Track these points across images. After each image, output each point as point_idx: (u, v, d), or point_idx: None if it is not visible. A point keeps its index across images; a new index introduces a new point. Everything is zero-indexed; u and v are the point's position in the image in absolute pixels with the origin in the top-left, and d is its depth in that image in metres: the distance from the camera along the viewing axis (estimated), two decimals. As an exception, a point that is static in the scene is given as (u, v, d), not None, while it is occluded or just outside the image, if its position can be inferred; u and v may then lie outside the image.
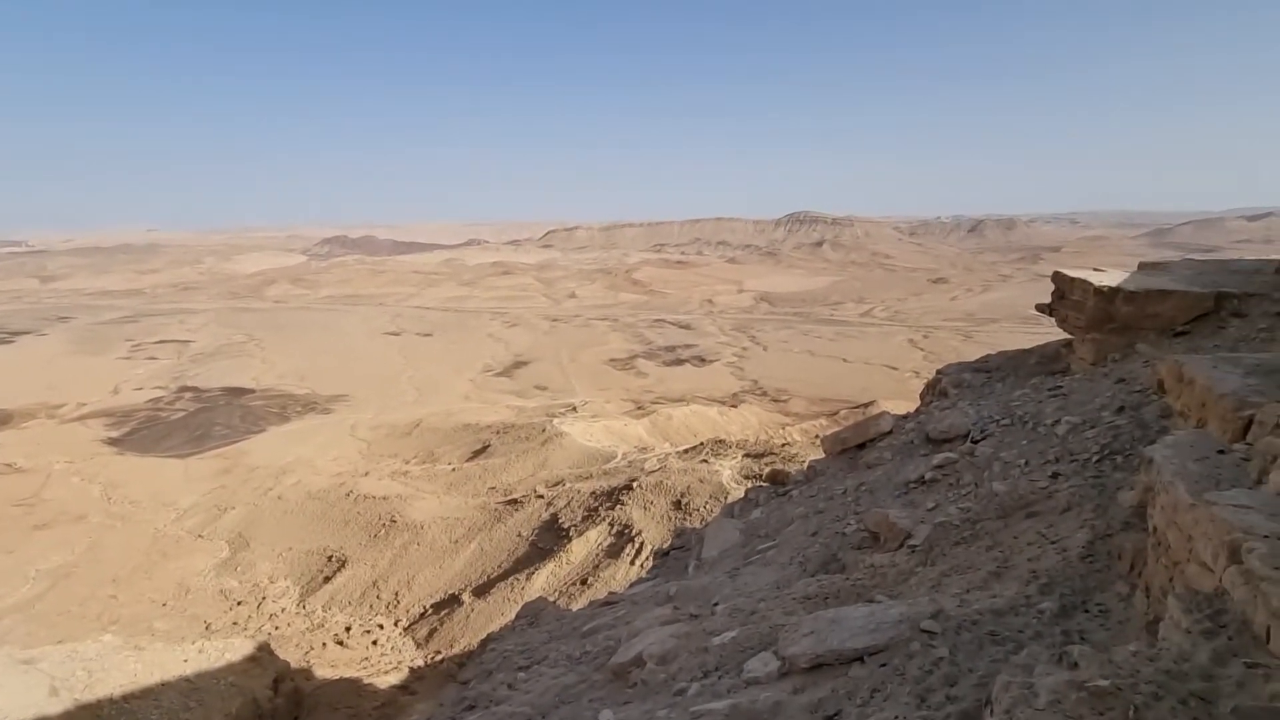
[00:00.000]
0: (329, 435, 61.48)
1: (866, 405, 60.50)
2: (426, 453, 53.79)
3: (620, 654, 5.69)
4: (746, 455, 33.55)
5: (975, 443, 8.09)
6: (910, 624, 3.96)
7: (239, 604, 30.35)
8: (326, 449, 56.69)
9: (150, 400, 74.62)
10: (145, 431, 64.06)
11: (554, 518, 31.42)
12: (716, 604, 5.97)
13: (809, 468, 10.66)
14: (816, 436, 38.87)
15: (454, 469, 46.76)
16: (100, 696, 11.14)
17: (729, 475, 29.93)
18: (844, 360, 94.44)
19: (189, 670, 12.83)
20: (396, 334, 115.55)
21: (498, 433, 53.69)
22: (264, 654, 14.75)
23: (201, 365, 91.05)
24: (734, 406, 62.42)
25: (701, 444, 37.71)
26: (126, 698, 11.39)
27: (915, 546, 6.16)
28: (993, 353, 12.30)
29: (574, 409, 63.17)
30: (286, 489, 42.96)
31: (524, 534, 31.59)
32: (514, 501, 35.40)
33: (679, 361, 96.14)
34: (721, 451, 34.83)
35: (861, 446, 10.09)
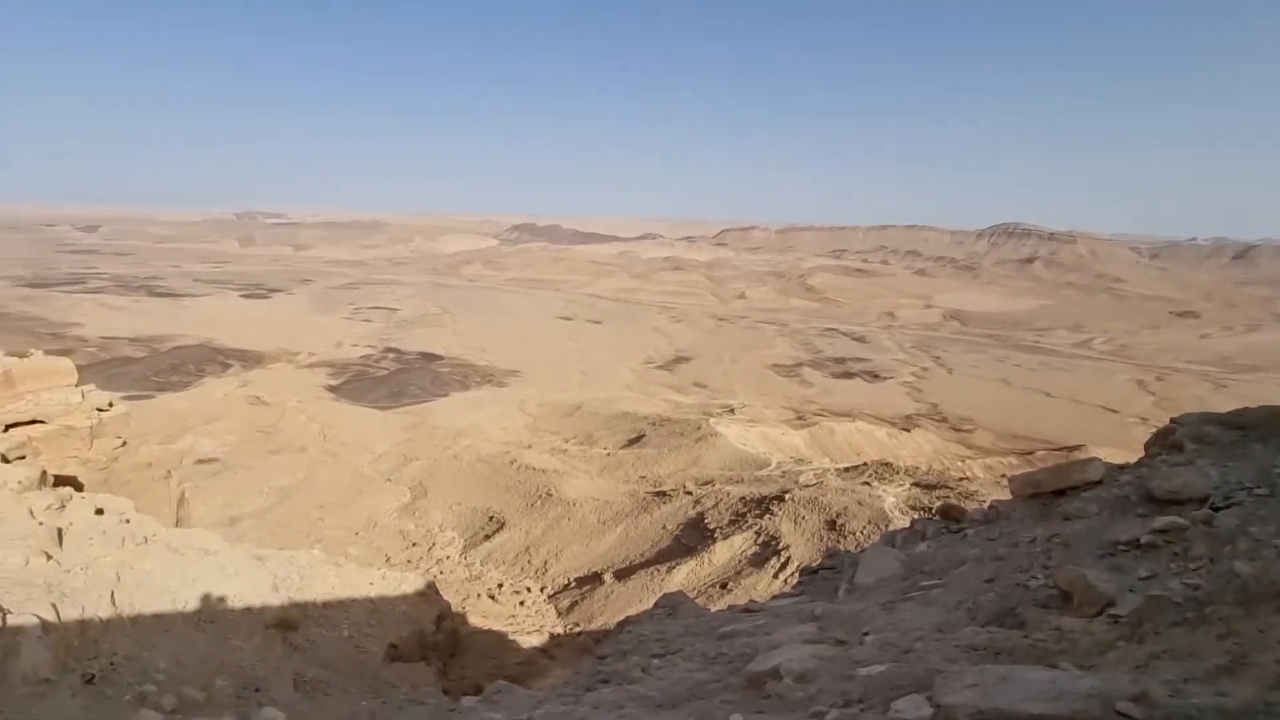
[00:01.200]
0: (501, 406, 67.66)
1: (1072, 449, 52.65)
2: (585, 434, 57.03)
3: (757, 663, 5.58)
4: (916, 484, 30.84)
5: (1216, 510, 6.64)
6: (1103, 701, 3.38)
7: (413, 545, 34.74)
8: (497, 418, 62.48)
9: (362, 357, 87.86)
10: (356, 383, 75.57)
11: (700, 516, 31.59)
12: (867, 634, 5.60)
13: (991, 508, 9.54)
14: (1004, 475, 34.64)
15: (609, 454, 49.00)
16: (307, 599, 13.39)
17: (893, 502, 27.74)
18: (1047, 395, 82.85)
19: (373, 593, 14.93)
20: (569, 319, 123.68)
21: (653, 424, 55.22)
22: (431, 592, 16.56)
23: (404, 331, 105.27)
24: (906, 430, 57.73)
25: (865, 465, 35.43)
26: (325, 604, 13.56)
27: (1119, 618, 5.23)
28: (1252, 406, 9.94)
29: (731, 410, 62.83)
30: (461, 449, 48.18)
31: (669, 527, 32.19)
32: (662, 494, 36.19)
33: (848, 374, 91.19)
34: (887, 476, 32.40)
35: (1060, 493, 8.79)
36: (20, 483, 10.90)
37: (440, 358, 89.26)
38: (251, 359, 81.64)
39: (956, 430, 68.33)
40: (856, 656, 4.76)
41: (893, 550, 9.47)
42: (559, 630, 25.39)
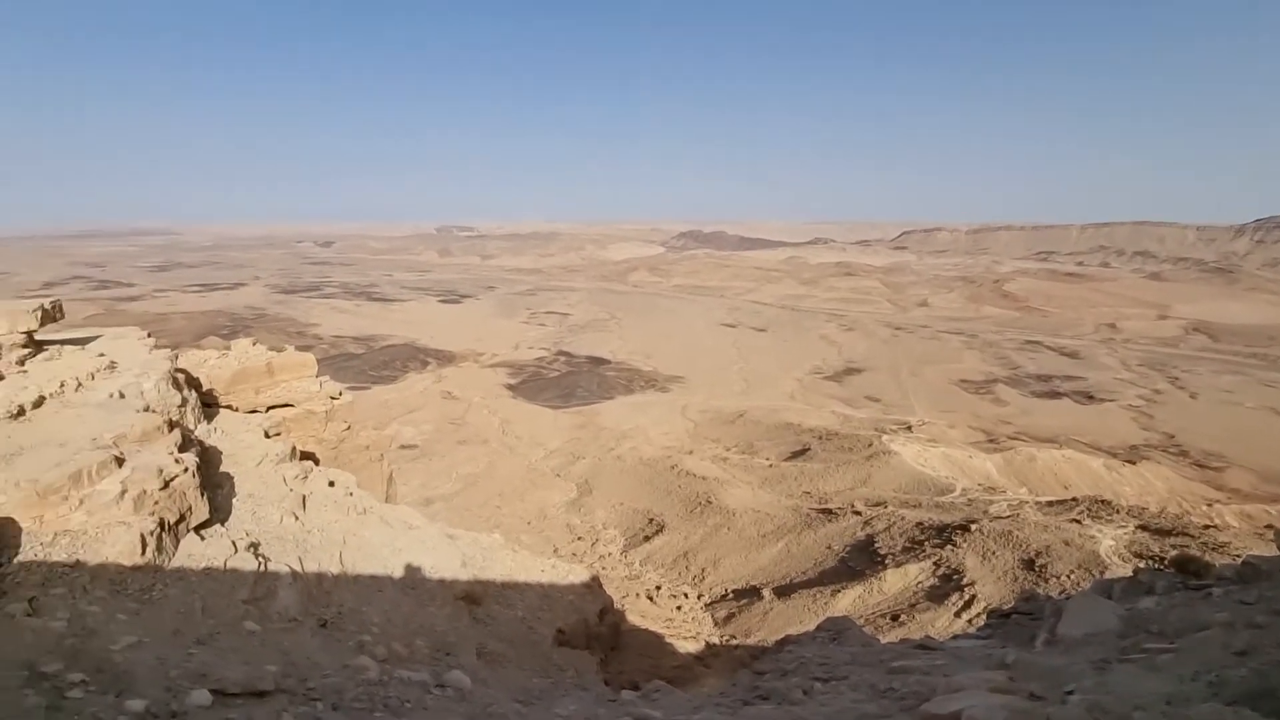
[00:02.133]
0: (663, 411, 69.21)
1: (1375, 502, 40.86)
2: (746, 444, 56.28)
3: (935, 705, 5.16)
4: (1142, 527, 25.91)
5: None
6: None
7: (578, 539, 36.80)
8: (660, 423, 64.00)
9: (537, 358, 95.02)
10: (531, 383, 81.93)
11: (870, 539, 29.59)
12: (1070, 693, 4.88)
13: (1246, 564, 7.79)
14: (1269, 526, 27.95)
15: (771, 465, 47.87)
16: (489, 578, 14.83)
17: (1110, 546, 23.57)
18: (1337, 430, 65.14)
19: (544, 579, 16.07)
20: (733, 326, 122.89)
21: (820, 438, 52.90)
22: (595, 585, 17.31)
23: (575, 335, 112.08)
24: (1131, 463, 48.98)
25: (1075, 499, 30.59)
26: (504, 585, 14.90)
27: None
28: None
29: (908, 428, 58.13)
30: (624, 451, 50.12)
31: (834, 547, 30.60)
32: (828, 511, 34.52)
33: (1054, 394, 79.62)
34: (1103, 515, 27.65)
35: (1356, 558, 6.94)
36: (277, 455, 13.48)
37: (607, 361, 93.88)
38: (445, 358, 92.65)
39: (1201, 467, 56.42)
40: (1056, 716, 4.21)
41: (1108, 602, 8.14)
42: (715, 640, 25.29)
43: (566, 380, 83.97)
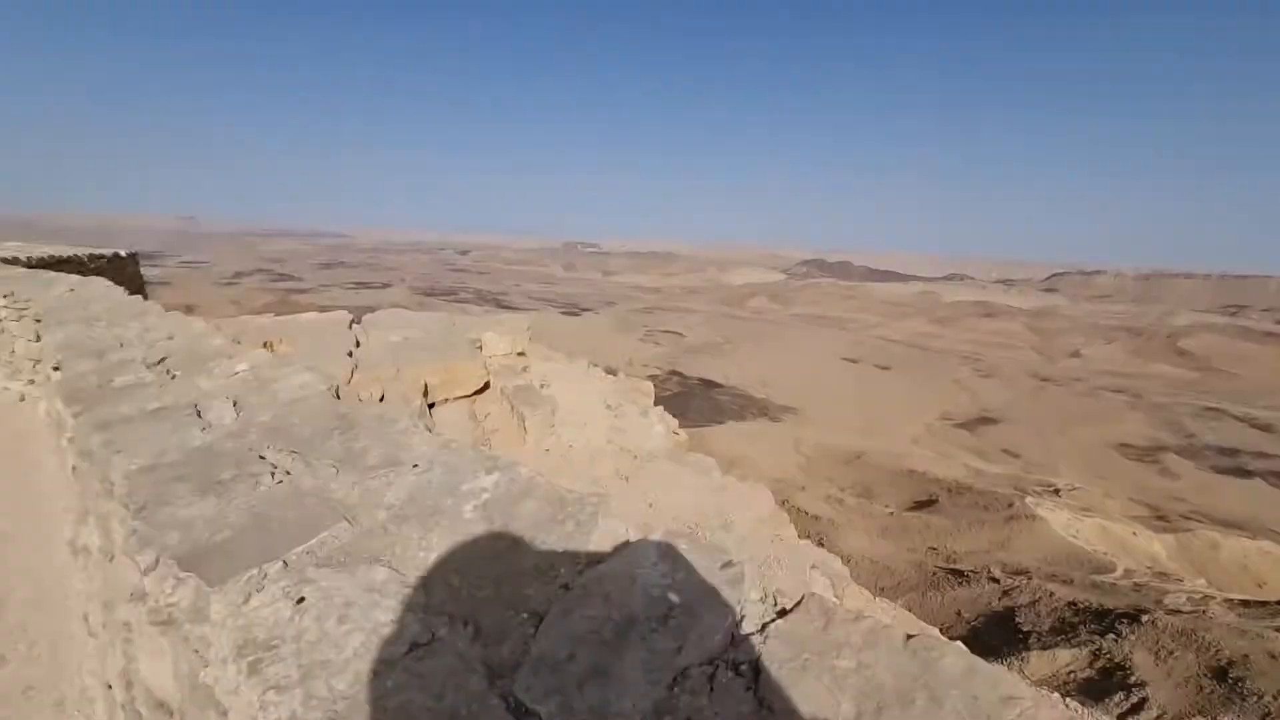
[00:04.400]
0: (774, 442, 66.71)
1: None
2: (864, 487, 52.63)
3: None
4: (1381, 653, 20.76)
5: None
6: None
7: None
8: (770, 454, 61.67)
9: (650, 376, 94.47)
10: None
11: (1009, 612, 26.08)
12: None
13: None
14: None
15: (891, 513, 44.26)
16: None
17: (1334, 670, 19.03)
18: None
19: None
20: (854, 361, 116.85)
21: (949, 490, 48.35)
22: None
23: (689, 356, 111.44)
24: (1350, 566, 40.16)
25: (1277, 603, 25.30)
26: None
27: None
28: None
29: (1055, 491, 51.74)
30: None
31: (965, 615, 27.32)
32: (959, 573, 31.06)
33: (1242, 472, 67.83)
34: (1321, 628, 22.52)
35: None
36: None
37: (720, 385, 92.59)
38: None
39: None
40: None
41: None
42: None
43: (678, 400, 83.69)
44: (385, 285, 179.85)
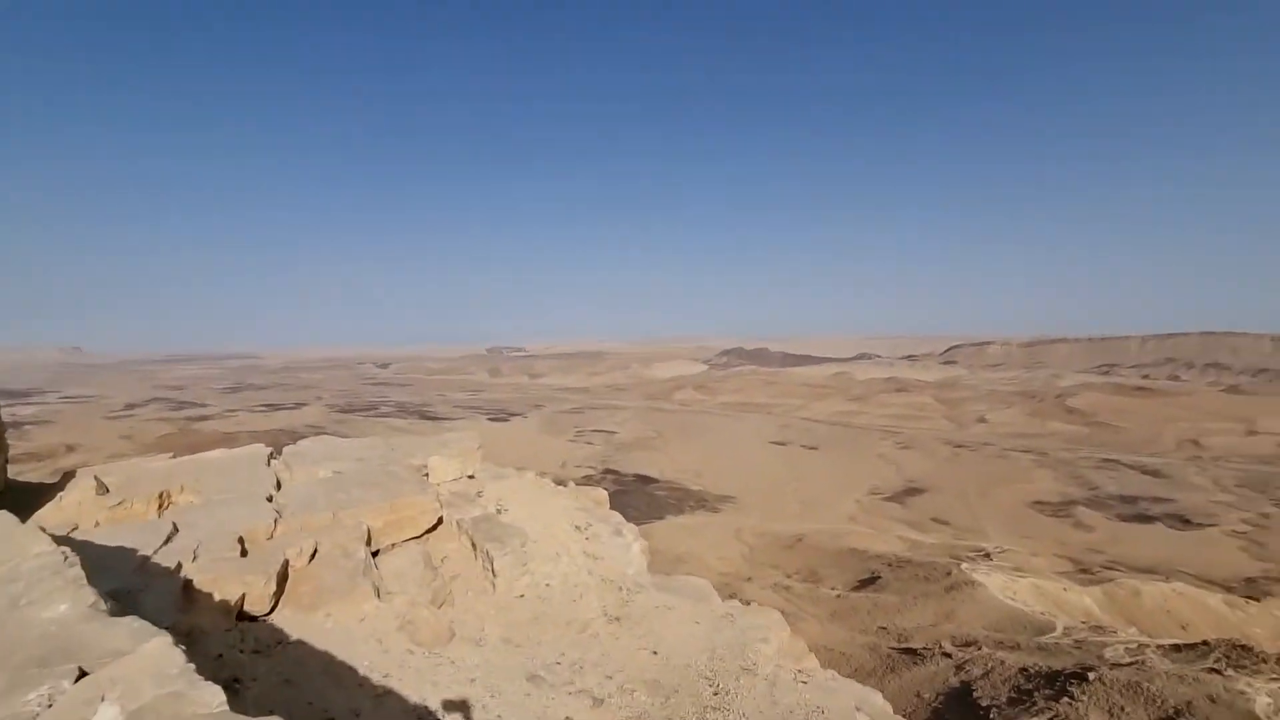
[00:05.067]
0: (716, 534, 65.73)
1: None
2: (809, 571, 52.23)
3: None
4: (1301, 683, 21.79)
5: None
6: None
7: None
8: (714, 546, 60.56)
9: (584, 477, 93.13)
10: None
11: (966, 687, 25.76)
12: None
13: None
14: None
15: (839, 595, 43.87)
16: None
17: (1268, 704, 19.68)
18: None
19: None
20: (783, 444, 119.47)
21: (890, 565, 48.73)
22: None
23: (622, 453, 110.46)
24: (1254, 599, 42.95)
25: (1206, 644, 26.31)
26: None
27: None
28: None
29: (986, 555, 53.30)
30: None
31: (925, 696, 26.71)
32: (912, 651, 30.68)
33: (1144, 518, 72.68)
34: (1247, 664, 23.46)
35: None
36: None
37: (655, 480, 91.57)
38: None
39: (1342, 607, 48.96)
40: None
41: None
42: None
43: (615, 499, 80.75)
44: (299, 405, 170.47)
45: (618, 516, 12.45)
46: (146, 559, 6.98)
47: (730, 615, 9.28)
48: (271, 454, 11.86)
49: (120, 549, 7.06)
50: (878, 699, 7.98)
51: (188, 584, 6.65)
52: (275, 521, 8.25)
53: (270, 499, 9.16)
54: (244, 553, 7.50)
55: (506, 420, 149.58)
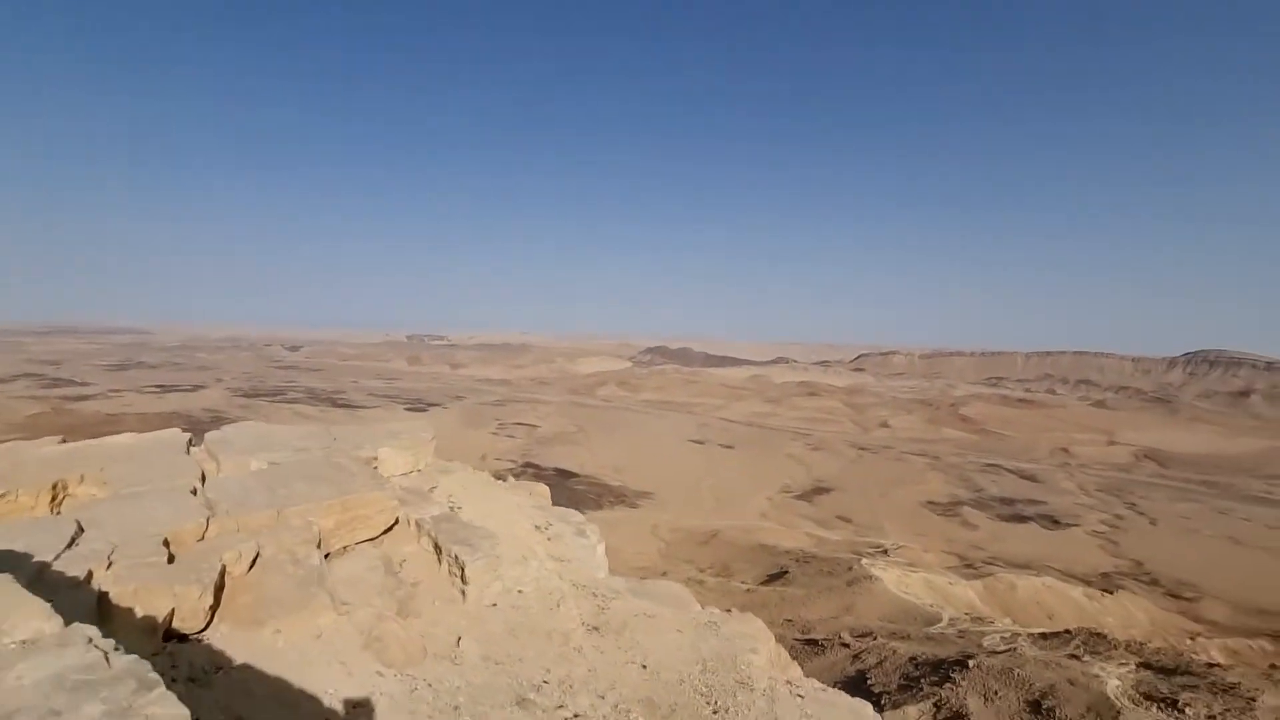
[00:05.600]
0: (634, 529, 66.36)
1: (1355, 636, 40.48)
2: (721, 565, 53.72)
3: None
4: (1144, 665, 24.64)
5: None
6: None
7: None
8: (631, 541, 61.08)
9: (505, 470, 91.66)
10: None
11: (861, 675, 27.34)
12: None
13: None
14: (1273, 666, 26.97)
15: (749, 589, 45.37)
16: None
17: (1117, 686, 22.09)
18: (1299, 560, 66.11)
19: None
20: (701, 443, 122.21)
21: (797, 561, 50.91)
22: None
23: (543, 447, 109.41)
24: (1108, 591, 48.12)
25: (1069, 632, 29.26)
26: None
27: None
28: None
29: (884, 551, 56.72)
30: (600, 572, 46.94)
31: (824, 683, 28.19)
32: (814, 642, 32.20)
33: (1020, 518, 79.73)
34: (1101, 650, 26.30)
35: None
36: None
37: (576, 475, 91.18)
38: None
39: (1174, 597, 55.92)
40: None
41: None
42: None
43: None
44: (197, 387, 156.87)
45: (577, 515, 11.72)
46: (44, 566, 5.53)
47: (713, 624, 8.82)
48: (190, 441, 10.27)
49: (7, 553, 5.60)
50: (868, 710, 7.89)
51: (102, 597, 5.40)
52: (207, 521, 6.94)
53: (194, 493, 7.88)
54: (170, 558, 6.25)
55: (425, 411, 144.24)
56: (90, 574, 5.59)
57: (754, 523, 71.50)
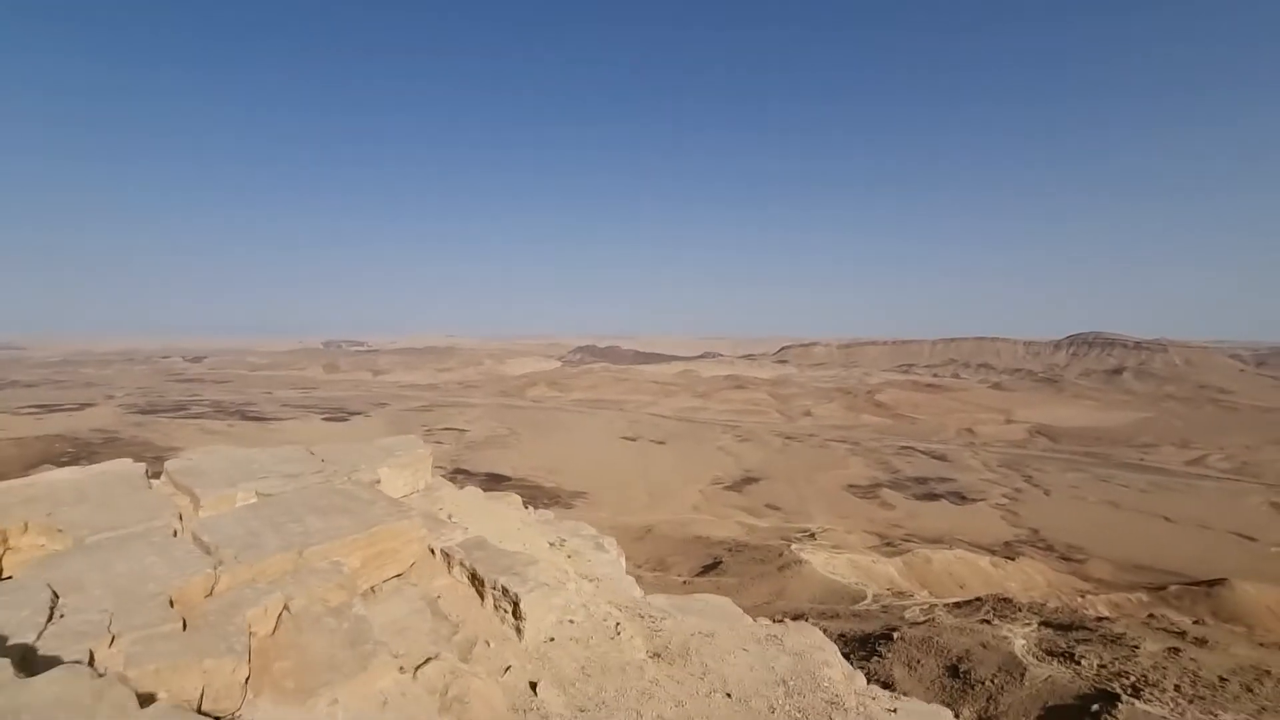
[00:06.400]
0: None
1: (1212, 584, 45.88)
2: (658, 560, 54.29)
3: None
4: (1045, 624, 26.95)
5: None
6: None
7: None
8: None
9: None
10: None
11: (795, 656, 28.47)
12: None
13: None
14: (1152, 616, 30.09)
15: (685, 581, 46.07)
16: None
17: (1023, 645, 24.06)
18: (1165, 519, 74.32)
19: None
20: (633, 439, 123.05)
21: (730, 550, 52.16)
22: None
23: (474, 452, 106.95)
24: (1010, 559, 52.21)
25: (980, 599, 31.57)
26: None
27: None
28: None
29: (811, 535, 59.04)
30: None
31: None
32: (750, 628, 33.16)
33: (932, 496, 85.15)
34: (1008, 613, 28.55)
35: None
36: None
37: (508, 478, 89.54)
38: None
39: (1066, 560, 61.47)
40: None
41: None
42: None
43: (461, 500, 78.39)
44: (84, 406, 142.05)
45: (588, 527, 10.71)
46: (28, 651, 4.35)
47: (774, 637, 8.15)
48: (147, 472, 8.78)
49: None
50: (948, 714, 7.72)
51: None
52: (216, 571, 5.79)
53: (175, 535, 6.65)
54: (184, 624, 5.15)
55: (346, 420, 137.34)
56: (91, 655, 4.49)
57: (687, 515, 72.66)
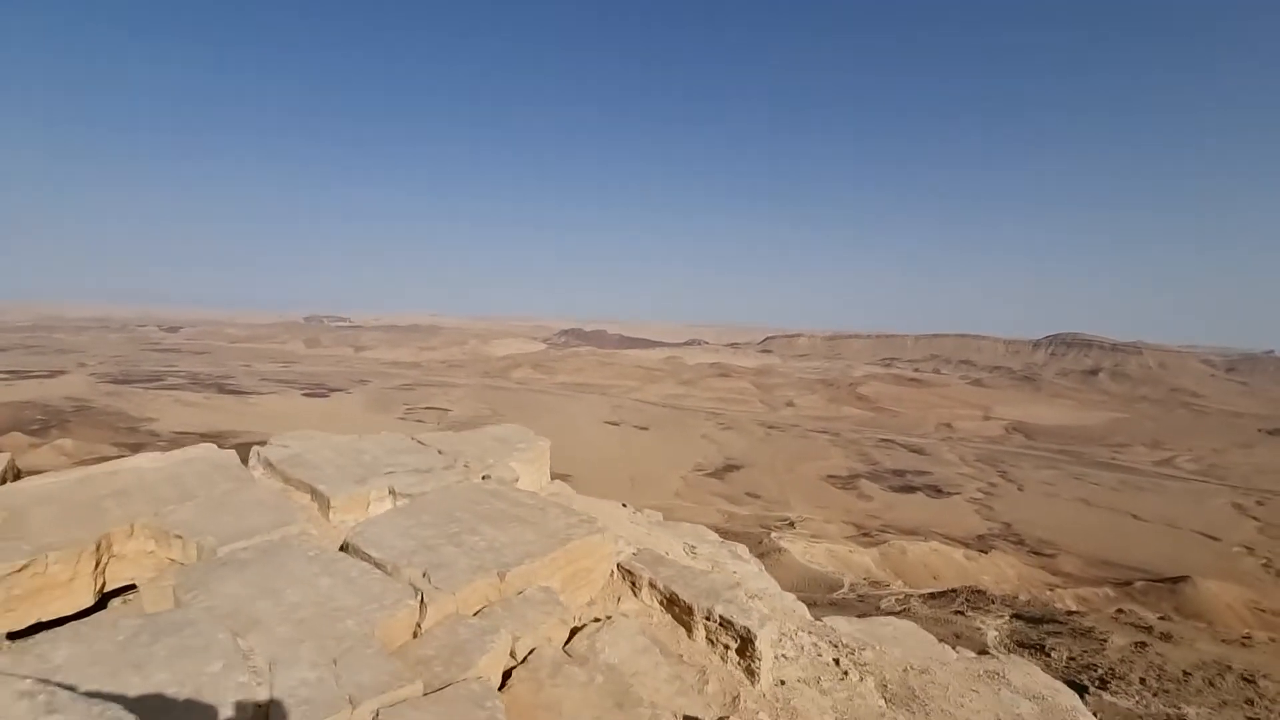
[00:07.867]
0: (555, 512, 65.98)
1: (1176, 580, 47.19)
2: (639, 545, 54.61)
3: None
4: (1016, 616, 27.51)
5: None
6: None
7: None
8: (552, 525, 60.70)
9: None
10: None
11: (772, 642, 28.81)
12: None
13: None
14: (1120, 610, 30.86)
15: (665, 566, 46.42)
16: None
17: (995, 637, 24.55)
18: (1134, 517, 76.22)
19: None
20: (616, 424, 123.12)
21: (711, 536, 52.58)
22: None
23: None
24: (984, 552, 53.22)
25: (954, 591, 32.17)
26: None
27: None
28: None
29: (790, 524, 59.67)
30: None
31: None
32: (728, 614, 33.47)
33: (910, 488, 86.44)
34: (981, 605, 29.10)
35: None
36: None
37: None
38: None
39: (1037, 554, 62.78)
40: None
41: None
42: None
43: (442, 480, 78.06)
44: (55, 373, 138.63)
45: (708, 531, 9.34)
46: None
47: (994, 673, 7.06)
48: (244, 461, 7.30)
49: (150, 700, 3.23)
50: None
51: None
52: (420, 606, 4.53)
53: (323, 546, 5.40)
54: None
55: (326, 396, 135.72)
56: None
57: (669, 502, 72.98)
